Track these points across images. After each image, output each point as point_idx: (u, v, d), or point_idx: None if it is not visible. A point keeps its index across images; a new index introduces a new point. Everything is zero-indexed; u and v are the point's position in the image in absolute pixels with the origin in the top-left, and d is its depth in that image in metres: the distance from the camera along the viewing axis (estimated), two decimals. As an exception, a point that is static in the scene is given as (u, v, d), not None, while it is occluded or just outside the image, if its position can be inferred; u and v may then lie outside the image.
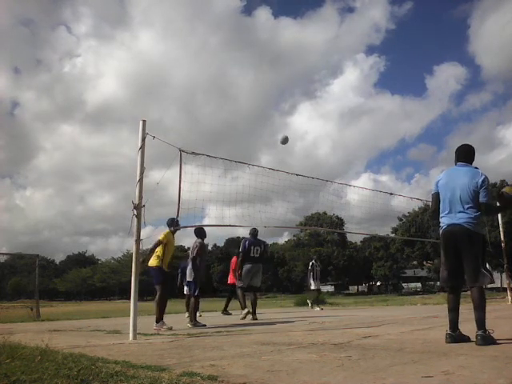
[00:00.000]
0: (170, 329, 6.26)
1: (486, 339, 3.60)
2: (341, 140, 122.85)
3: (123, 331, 5.97)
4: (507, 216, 37.55)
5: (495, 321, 6.26)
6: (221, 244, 72.19)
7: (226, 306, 10.87)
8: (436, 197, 4.15)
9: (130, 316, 5.07)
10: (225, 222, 6.52)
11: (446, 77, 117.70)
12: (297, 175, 7.20)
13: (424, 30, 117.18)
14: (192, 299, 7.31)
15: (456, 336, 3.81)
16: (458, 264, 3.93)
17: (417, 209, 49.12)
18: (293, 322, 7.37)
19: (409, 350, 3.45)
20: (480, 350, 3.34)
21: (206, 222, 7.24)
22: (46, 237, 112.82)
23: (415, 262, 62.15)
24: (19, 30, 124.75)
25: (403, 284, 63.84)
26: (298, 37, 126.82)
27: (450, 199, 4.00)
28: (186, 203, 5.80)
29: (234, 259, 11.29)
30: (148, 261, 6.57)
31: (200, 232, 7.47)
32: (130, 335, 4.95)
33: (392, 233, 54.80)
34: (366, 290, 68.02)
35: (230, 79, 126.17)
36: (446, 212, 4.03)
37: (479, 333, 3.64)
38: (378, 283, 68.75)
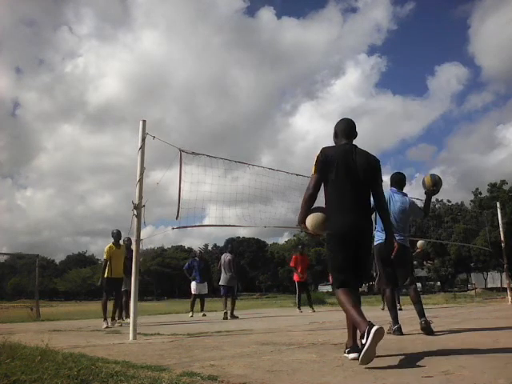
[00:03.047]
0: (106, 328, 7.20)
1: (428, 323, 4.43)
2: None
3: (123, 331, 5.97)
4: (507, 216, 37.56)
5: (495, 321, 6.25)
6: (221, 244, 72.21)
7: (299, 303, 11.17)
8: None
9: (129, 316, 5.07)
10: (225, 222, 6.53)
11: (448, 77, 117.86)
12: (297, 175, 7.19)
13: (425, 30, 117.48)
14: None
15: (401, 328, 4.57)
16: (391, 270, 4.81)
17: (417, 209, 49.07)
18: (293, 321, 7.37)
19: (409, 350, 3.45)
20: (480, 350, 3.35)
21: (206, 222, 7.23)
22: (47, 237, 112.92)
23: (415, 262, 62.06)
24: (21, 31, 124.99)
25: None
26: (300, 37, 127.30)
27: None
28: (187, 203, 5.80)
29: (294, 257, 11.40)
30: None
31: (233, 247, 10.45)
32: (130, 335, 4.95)
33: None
34: (366, 290, 67.94)
35: (231, 80, 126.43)
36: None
37: (423, 319, 4.46)
38: (378, 283, 68.64)
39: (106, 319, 7.56)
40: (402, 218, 4.88)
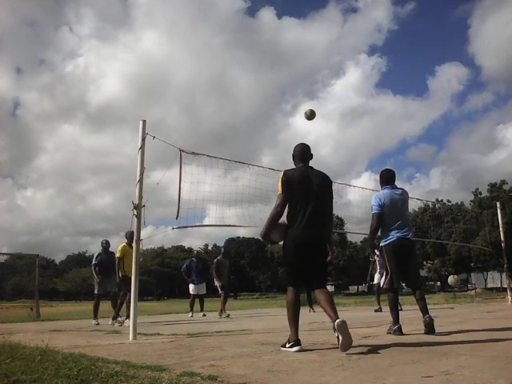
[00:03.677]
0: (121, 325, 7.66)
1: (432, 320, 4.44)
2: (342, 140, 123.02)
3: (123, 331, 5.97)
4: (507, 216, 37.54)
5: (495, 321, 6.26)
6: (221, 244, 72.28)
7: (311, 303, 10.86)
8: (379, 218, 4.76)
9: (129, 316, 5.07)
10: (225, 222, 6.53)
11: (448, 77, 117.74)
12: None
13: (426, 30, 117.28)
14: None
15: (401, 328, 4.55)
16: (402, 269, 4.72)
17: (417, 209, 49.17)
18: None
19: (409, 349, 3.45)
20: (480, 350, 3.35)
21: (206, 222, 7.23)
22: (47, 237, 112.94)
23: (415, 262, 61.97)
24: (22, 31, 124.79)
25: (403, 284, 63.65)
26: (300, 37, 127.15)
27: (395, 217, 4.72)
28: (187, 203, 5.80)
29: None
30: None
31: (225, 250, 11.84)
32: (130, 335, 4.94)
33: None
34: (366, 289, 67.92)
35: (232, 80, 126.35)
36: (394, 227, 4.71)
37: (427, 316, 4.46)
38: (379, 283, 68.52)
39: (128, 317, 7.65)
40: (405, 213, 4.85)
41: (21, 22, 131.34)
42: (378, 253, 10.71)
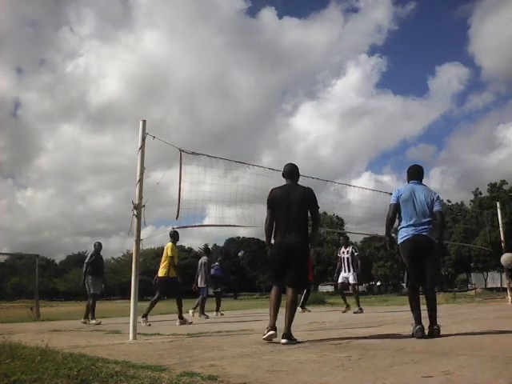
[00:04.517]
0: (149, 325, 7.20)
1: (439, 331, 4.24)
2: (342, 140, 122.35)
3: (123, 331, 5.96)
4: (507, 216, 37.55)
5: (495, 321, 6.26)
6: (221, 244, 72.22)
7: (304, 301, 10.80)
8: (395, 208, 4.64)
9: (129, 316, 5.07)
10: (225, 222, 6.53)
11: (448, 77, 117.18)
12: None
13: (426, 30, 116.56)
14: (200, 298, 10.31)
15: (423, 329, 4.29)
16: (421, 268, 4.50)
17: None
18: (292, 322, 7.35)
19: (409, 350, 3.45)
20: (480, 350, 3.35)
21: (206, 222, 7.23)
22: (47, 237, 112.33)
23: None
24: (23, 31, 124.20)
25: (403, 284, 63.66)
26: (301, 37, 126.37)
27: (412, 213, 4.54)
28: (187, 203, 5.81)
29: None
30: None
31: (207, 251, 11.20)
32: (130, 335, 4.94)
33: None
34: (365, 289, 67.94)
35: (232, 80, 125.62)
36: (410, 223, 4.53)
37: (435, 326, 4.26)
38: (378, 283, 68.62)
39: (145, 316, 7.51)
40: (424, 210, 4.50)
41: (21, 22, 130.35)
42: (347, 250, 10.12)
